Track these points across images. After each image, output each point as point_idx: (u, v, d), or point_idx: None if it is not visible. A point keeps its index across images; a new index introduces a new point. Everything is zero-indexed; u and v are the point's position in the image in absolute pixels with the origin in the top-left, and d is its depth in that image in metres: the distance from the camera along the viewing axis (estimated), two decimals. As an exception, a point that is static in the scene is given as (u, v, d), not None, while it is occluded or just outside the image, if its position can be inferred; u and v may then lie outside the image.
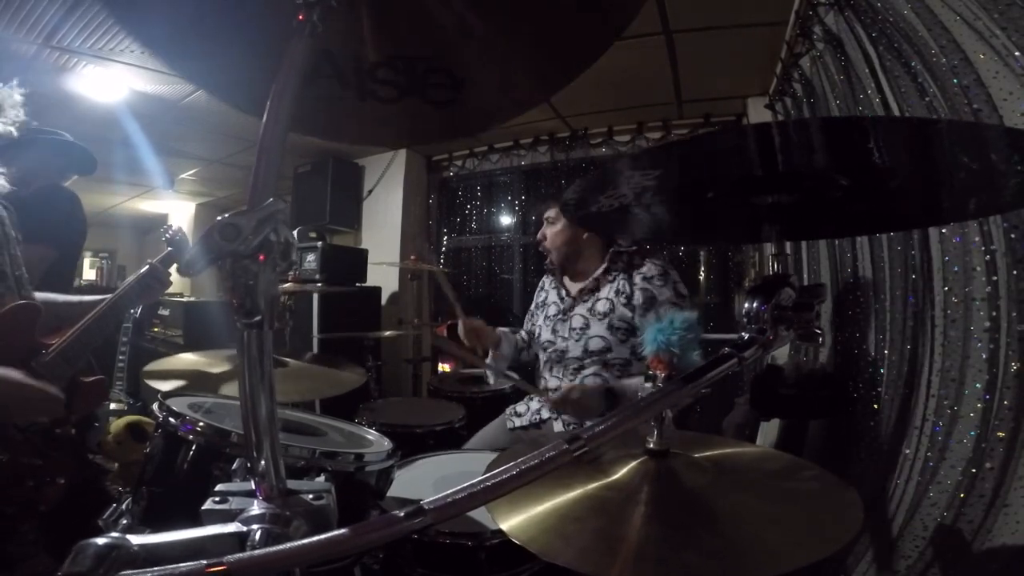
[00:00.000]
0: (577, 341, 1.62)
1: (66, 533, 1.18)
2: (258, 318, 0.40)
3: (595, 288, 1.65)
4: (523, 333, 1.92)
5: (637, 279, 1.58)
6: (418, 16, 0.59)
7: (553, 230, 1.72)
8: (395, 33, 0.60)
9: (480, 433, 1.74)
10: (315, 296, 3.26)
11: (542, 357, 1.74)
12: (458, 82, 0.63)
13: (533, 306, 1.88)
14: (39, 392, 1.09)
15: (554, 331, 1.70)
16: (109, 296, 1.38)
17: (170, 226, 1.62)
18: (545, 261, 1.87)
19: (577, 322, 1.64)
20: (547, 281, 1.85)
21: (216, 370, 1.32)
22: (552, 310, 1.74)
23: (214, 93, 0.68)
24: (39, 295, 1.36)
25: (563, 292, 1.74)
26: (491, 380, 1.79)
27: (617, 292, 1.60)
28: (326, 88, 0.62)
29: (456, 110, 0.65)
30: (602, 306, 1.61)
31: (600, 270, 1.65)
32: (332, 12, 0.50)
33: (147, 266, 1.45)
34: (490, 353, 1.78)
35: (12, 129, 1.36)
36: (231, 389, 1.20)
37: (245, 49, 0.59)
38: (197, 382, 1.26)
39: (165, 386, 1.19)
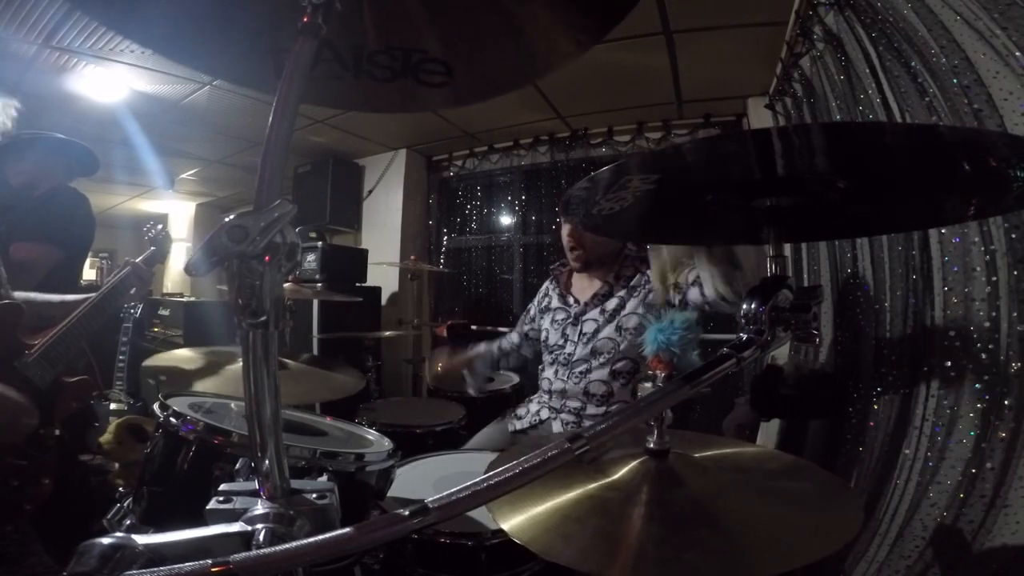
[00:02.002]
0: (586, 344, 1.63)
1: (62, 533, 1.19)
2: (263, 319, 0.40)
3: (608, 294, 1.66)
4: (510, 337, 1.93)
5: (649, 272, 1.61)
6: (415, 11, 0.61)
7: (592, 235, 1.64)
8: (393, 26, 0.62)
9: (480, 434, 1.75)
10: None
11: (547, 359, 1.74)
12: (450, 69, 0.66)
13: (534, 310, 1.88)
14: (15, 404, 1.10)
15: (563, 335, 1.70)
16: (91, 296, 1.38)
17: (153, 224, 1.62)
18: (554, 265, 1.88)
19: (588, 327, 1.65)
20: (550, 287, 1.85)
21: (216, 366, 1.32)
22: (560, 315, 1.74)
23: (227, 79, 0.72)
24: (20, 294, 1.36)
25: (570, 299, 1.74)
26: (471, 392, 1.96)
27: (627, 294, 1.63)
28: (324, 69, 0.65)
29: (447, 90, 0.69)
30: (612, 305, 1.63)
31: (612, 275, 1.66)
32: (336, 12, 0.50)
33: (128, 265, 1.45)
34: (465, 374, 1.85)
35: None
36: (226, 384, 1.20)
37: (246, 30, 0.61)
38: (196, 377, 1.26)
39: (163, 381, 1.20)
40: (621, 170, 0.53)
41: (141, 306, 2.66)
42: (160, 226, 1.61)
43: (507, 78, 0.71)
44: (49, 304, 1.40)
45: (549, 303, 1.81)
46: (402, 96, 0.71)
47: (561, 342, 1.69)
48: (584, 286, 1.74)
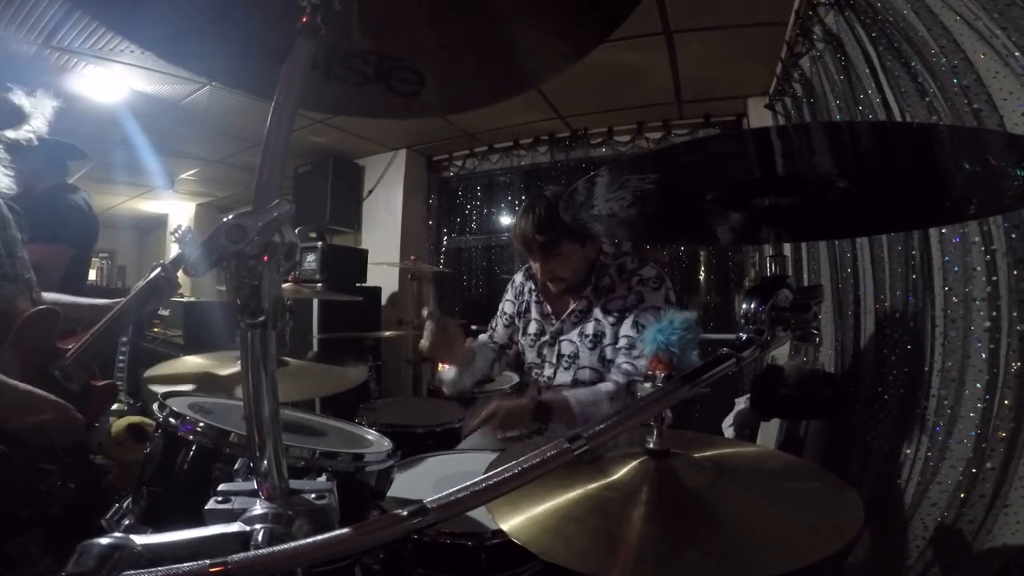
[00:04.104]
0: (566, 370, 1.53)
1: (67, 533, 1.18)
2: (262, 319, 0.40)
3: (586, 310, 1.53)
4: (490, 345, 1.80)
5: (634, 282, 1.50)
6: (398, 19, 0.61)
7: (567, 263, 1.49)
8: (373, 31, 0.62)
9: (472, 436, 1.71)
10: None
11: (528, 371, 1.67)
12: (422, 79, 0.66)
13: (512, 309, 1.73)
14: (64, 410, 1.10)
15: (540, 355, 1.60)
16: (121, 300, 1.37)
17: (180, 226, 1.61)
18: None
19: (567, 348, 1.54)
20: (526, 287, 1.69)
21: (219, 372, 1.31)
22: (534, 327, 1.62)
23: (226, 83, 0.71)
24: (49, 296, 1.35)
25: (547, 309, 1.61)
26: (445, 391, 1.69)
27: (606, 312, 1.50)
28: None
29: (414, 101, 0.69)
30: (592, 329, 1.51)
31: (590, 289, 1.53)
32: (335, 13, 0.50)
33: (159, 268, 1.45)
34: (458, 366, 1.62)
35: (32, 137, 1.36)
36: (235, 391, 1.19)
37: (244, 35, 0.61)
38: (200, 385, 1.26)
39: (167, 389, 1.19)
40: (620, 170, 0.53)
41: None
42: (187, 227, 1.61)
43: (478, 94, 0.71)
44: (78, 307, 1.39)
45: (527, 309, 1.67)
46: (369, 102, 0.70)
47: (538, 361, 1.60)
48: (561, 297, 1.61)
